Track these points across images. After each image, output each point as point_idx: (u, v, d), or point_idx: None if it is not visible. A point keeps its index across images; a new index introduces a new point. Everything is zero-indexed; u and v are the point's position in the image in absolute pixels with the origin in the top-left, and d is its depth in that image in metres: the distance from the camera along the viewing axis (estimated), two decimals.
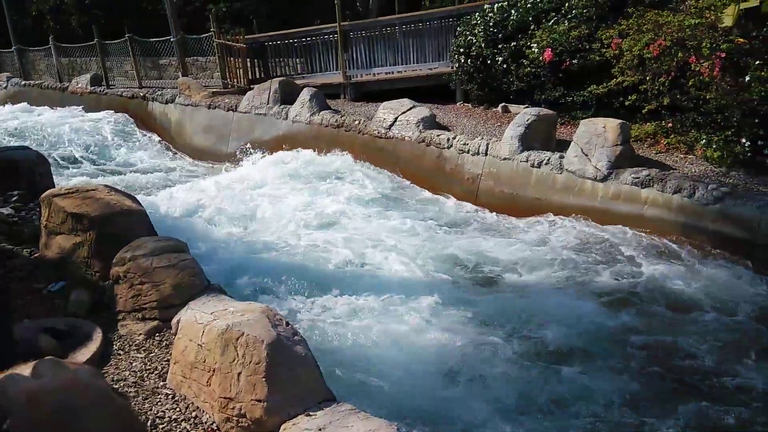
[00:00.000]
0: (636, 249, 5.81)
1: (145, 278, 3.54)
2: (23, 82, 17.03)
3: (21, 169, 5.70)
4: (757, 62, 5.97)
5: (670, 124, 6.88)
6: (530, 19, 8.26)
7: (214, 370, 2.70)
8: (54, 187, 4.96)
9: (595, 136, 6.59)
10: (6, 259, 4.13)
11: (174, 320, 3.30)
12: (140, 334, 3.41)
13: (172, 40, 13.48)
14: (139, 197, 5.39)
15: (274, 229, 6.64)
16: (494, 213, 7.16)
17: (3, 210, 4.86)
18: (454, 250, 5.95)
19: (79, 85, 14.76)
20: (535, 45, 7.92)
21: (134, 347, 3.31)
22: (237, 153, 10.12)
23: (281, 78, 11.12)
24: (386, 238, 6.25)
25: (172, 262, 3.61)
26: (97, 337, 3.32)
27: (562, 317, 4.65)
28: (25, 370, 0.64)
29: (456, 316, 4.69)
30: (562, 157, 6.88)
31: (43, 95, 15.54)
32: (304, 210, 7.05)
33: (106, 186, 4.47)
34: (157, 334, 3.39)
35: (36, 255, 4.24)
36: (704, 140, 6.47)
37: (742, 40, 6.08)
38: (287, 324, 2.95)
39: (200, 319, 2.94)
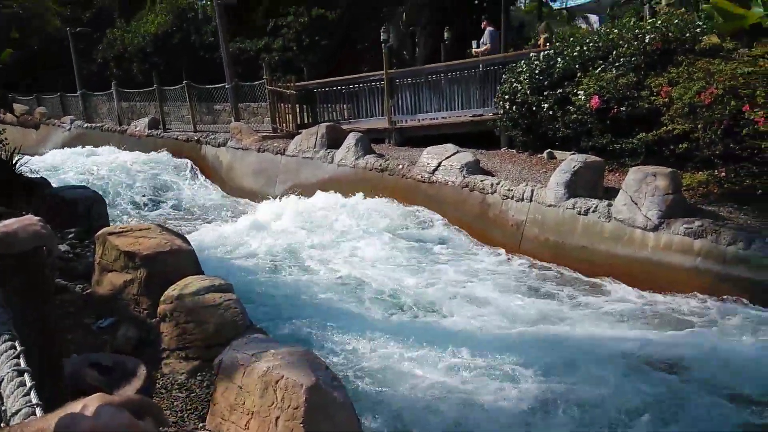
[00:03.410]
0: None
1: (190, 317, 3.60)
2: (85, 125, 18.01)
3: (79, 207, 5.98)
4: None
5: (723, 174, 6.68)
6: (577, 66, 8.26)
7: (252, 413, 2.69)
8: (109, 225, 5.16)
9: (644, 185, 6.44)
10: (59, 294, 4.29)
11: (216, 360, 3.33)
12: (183, 373, 3.45)
13: (226, 86, 14.07)
14: (189, 236, 5.57)
15: (320, 270, 6.69)
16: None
17: (60, 247, 5.08)
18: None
19: (138, 128, 15.50)
20: (582, 92, 7.90)
21: (176, 386, 3.34)
22: (282, 195, 10.35)
23: (328, 123, 11.40)
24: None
25: (216, 302, 3.66)
26: (142, 373, 3.37)
27: None
28: (78, 406, 0.65)
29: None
30: (610, 205, 6.73)
31: (104, 137, 16.38)
32: (356, 257, 7.09)
33: (158, 225, 4.63)
34: (199, 374, 3.42)
35: (88, 291, 4.38)
36: (760, 191, 6.24)
37: None
38: (327, 368, 2.93)
39: (241, 360, 2.96)
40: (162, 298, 3.79)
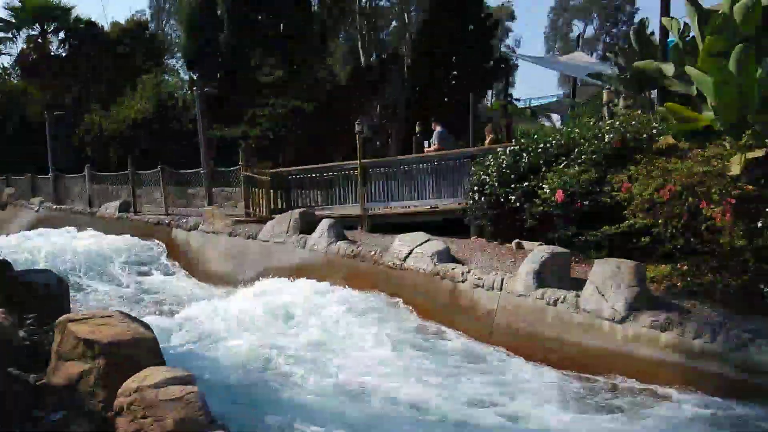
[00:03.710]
0: None
1: (148, 411, 3.45)
2: (54, 206, 17.82)
3: (38, 292, 5.79)
4: None
5: (685, 267, 6.86)
6: (541, 162, 8.62)
7: None
8: (71, 311, 5.01)
9: (610, 276, 6.58)
10: (11, 384, 4.07)
11: None
12: None
13: (202, 171, 14.23)
14: (152, 323, 5.40)
15: (290, 361, 6.48)
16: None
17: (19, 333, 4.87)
18: None
19: (108, 211, 15.39)
20: (547, 186, 8.20)
21: None
22: (253, 279, 10.22)
23: (302, 209, 11.52)
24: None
25: (177, 395, 3.52)
26: None
27: None
28: None
29: None
30: (578, 296, 6.82)
31: (72, 219, 16.19)
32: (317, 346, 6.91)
33: (121, 312, 4.51)
34: None
35: (42, 381, 4.17)
36: (721, 284, 6.41)
37: (750, 187, 6.25)
38: None
39: None
40: (120, 390, 3.63)
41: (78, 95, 23.54)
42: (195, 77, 20.73)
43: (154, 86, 21.23)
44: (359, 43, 27.14)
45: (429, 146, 12.58)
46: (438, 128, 12.63)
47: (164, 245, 13.03)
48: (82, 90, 23.71)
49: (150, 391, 3.52)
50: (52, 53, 24.72)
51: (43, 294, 5.79)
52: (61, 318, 4.31)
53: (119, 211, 15.10)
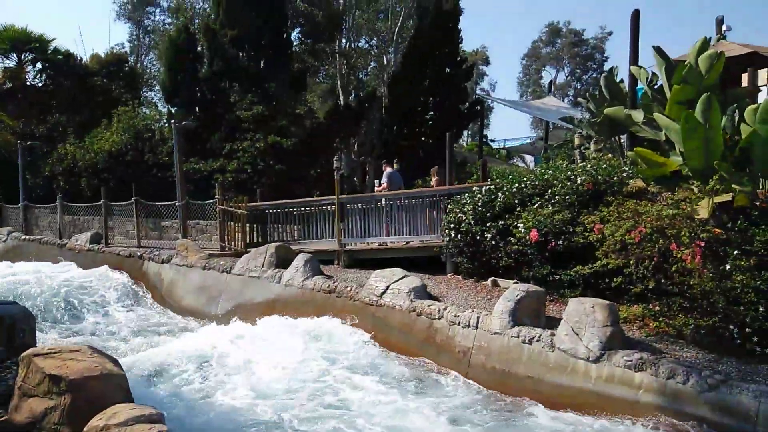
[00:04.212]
0: None
1: None
2: (23, 237, 17.39)
3: (2, 324, 5.59)
4: (735, 252, 6.26)
5: (657, 308, 6.98)
6: (516, 201, 8.78)
7: None
8: (36, 345, 4.85)
9: (584, 316, 6.64)
10: None
11: None
12: None
13: (177, 204, 14.09)
14: (121, 359, 5.26)
15: (263, 400, 6.34)
16: None
17: None
18: None
19: (78, 242, 15.07)
20: (522, 225, 8.32)
21: None
22: (226, 314, 10.04)
23: (278, 243, 11.44)
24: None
25: None
26: None
27: None
28: None
29: None
30: (553, 334, 6.86)
31: (41, 251, 15.80)
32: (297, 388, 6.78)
33: (90, 347, 4.39)
34: None
35: (3, 418, 4.00)
36: (692, 325, 6.53)
37: (718, 230, 6.44)
38: None
39: None
40: (86, 429, 3.50)
41: (52, 125, 23.25)
42: (173, 110, 20.71)
43: (130, 118, 21.13)
44: (338, 82, 27.56)
45: (378, 185, 12.95)
46: (388, 169, 13.14)
47: (135, 278, 12.76)
48: (57, 120, 23.43)
49: (117, 430, 3.41)
50: (28, 83, 24.50)
51: (7, 327, 5.59)
52: (26, 352, 4.17)
53: (90, 243, 14.80)
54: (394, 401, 6.46)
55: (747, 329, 6.14)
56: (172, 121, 15.86)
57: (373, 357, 7.81)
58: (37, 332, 6.11)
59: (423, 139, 21.57)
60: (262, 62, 20.61)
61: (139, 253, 13.33)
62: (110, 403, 3.72)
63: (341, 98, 26.36)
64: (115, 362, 4.36)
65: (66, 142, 21.51)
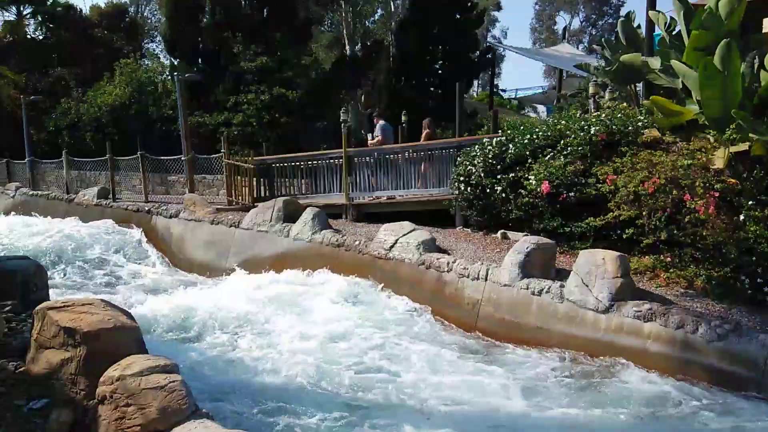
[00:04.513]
0: None
1: (131, 400, 3.37)
2: (31, 192, 17.44)
3: (16, 279, 5.63)
4: (750, 202, 6.16)
5: (668, 259, 6.95)
6: (527, 153, 8.63)
7: None
8: (49, 299, 4.89)
9: (594, 267, 6.62)
10: None
11: None
12: None
13: (183, 159, 14.00)
14: (134, 311, 5.31)
15: (271, 349, 6.43)
16: None
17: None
18: None
19: (86, 197, 15.09)
20: (533, 177, 8.21)
21: None
22: (235, 268, 10.12)
23: (285, 197, 11.40)
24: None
25: (160, 383, 3.45)
26: None
27: None
28: None
29: None
30: (562, 286, 6.86)
31: (49, 205, 15.84)
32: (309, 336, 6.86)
33: (102, 300, 4.41)
34: None
35: (21, 369, 4.07)
36: (704, 276, 6.50)
37: (733, 180, 6.32)
38: None
39: None
40: (101, 379, 3.55)
41: (54, 80, 22.97)
42: (175, 62, 20.35)
43: (133, 71, 20.81)
44: (344, 31, 26.92)
45: (372, 138, 12.88)
46: (381, 122, 12.95)
47: (144, 233, 12.82)
48: (59, 74, 23.14)
49: (132, 380, 3.45)
50: (28, 36, 24.11)
51: (21, 281, 5.63)
52: (40, 306, 4.19)
53: (97, 198, 14.81)
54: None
55: (758, 279, 6.11)
56: (175, 73, 15.62)
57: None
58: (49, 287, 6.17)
59: (432, 89, 21.20)
60: (265, 11, 20.10)
61: (147, 208, 13.34)
62: (124, 355, 3.76)
63: (347, 48, 25.79)
64: (128, 315, 4.39)
65: (69, 97, 21.30)
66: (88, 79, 22.18)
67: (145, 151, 14.72)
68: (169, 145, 16.12)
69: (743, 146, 6.51)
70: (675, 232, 6.69)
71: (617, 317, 6.32)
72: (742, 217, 6.17)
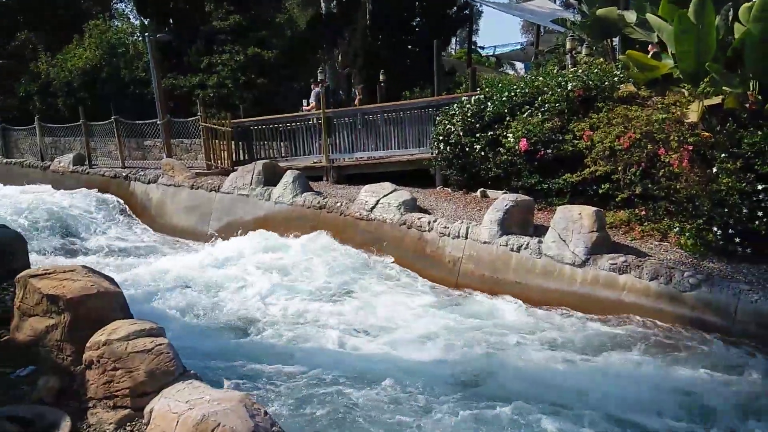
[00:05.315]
0: None
1: (118, 364, 3.42)
2: (4, 160, 17.04)
3: None
4: (723, 155, 6.29)
5: (643, 212, 7.10)
6: (506, 111, 8.65)
7: None
8: (30, 267, 4.87)
9: (571, 223, 6.76)
10: None
11: (147, 409, 3.16)
12: (111, 423, 3.25)
13: (158, 123, 13.75)
14: (116, 277, 5.31)
15: (255, 310, 6.52)
16: None
17: None
18: None
19: (61, 164, 14.80)
20: (511, 135, 8.26)
21: None
22: (217, 232, 10.11)
23: (265, 160, 11.32)
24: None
25: (147, 347, 3.50)
26: (65, 425, 3.15)
27: None
28: None
29: None
30: (540, 242, 7.00)
31: (24, 173, 15.52)
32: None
33: (84, 267, 4.39)
34: (129, 424, 3.24)
35: (5, 338, 4.09)
36: (677, 228, 6.67)
37: (707, 134, 6.43)
38: (266, 414, 2.85)
39: (174, 408, 2.83)
40: (88, 344, 3.58)
41: (21, 43, 22.13)
42: (146, 22, 19.71)
43: (102, 32, 20.11)
44: None
45: (307, 105, 12.94)
46: (315, 89, 12.95)
47: (123, 199, 12.67)
48: (27, 38, 22.28)
49: (119, 344, 3.49)
50: None
51: (1, 250, 5.58)
52: (21, 273, 4.18)
53: (73, 165, 14.53)
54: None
55: (730, 231, 6.29)
56: (146, 34, 15.14)
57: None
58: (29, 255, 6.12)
59: (410, 47, 20.90)
60: None
61: (124, 174, 13.15)
62: (109, 320, 3.78)
63: (323, 5, 25.16)
64: (111, 280, 4.39)
65: (38, 60, 20.59)
66: (57, 43, 21.41)
67: (120, 115, 14.40)
68: (143, 109, 15.75)
69: (716, 99, 6.60)
70: (649, 186, 6.83)
71: (593, 270, 6.50)
72: (715, 170, 6.30)
